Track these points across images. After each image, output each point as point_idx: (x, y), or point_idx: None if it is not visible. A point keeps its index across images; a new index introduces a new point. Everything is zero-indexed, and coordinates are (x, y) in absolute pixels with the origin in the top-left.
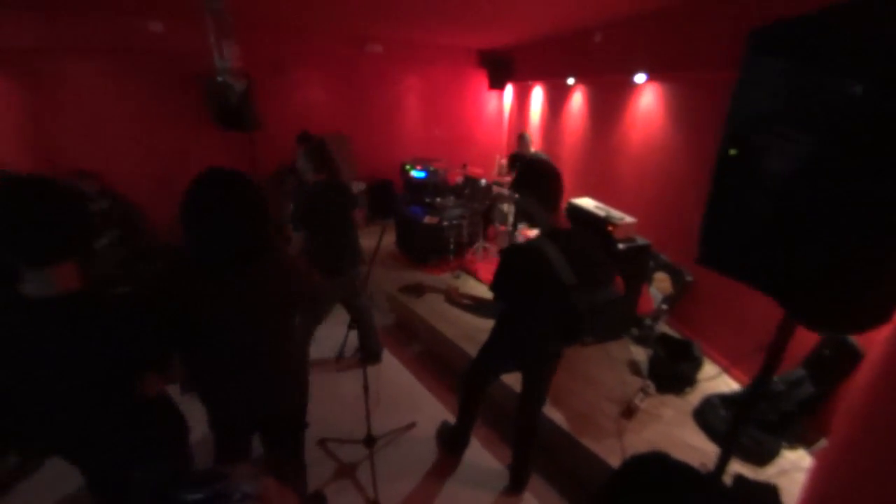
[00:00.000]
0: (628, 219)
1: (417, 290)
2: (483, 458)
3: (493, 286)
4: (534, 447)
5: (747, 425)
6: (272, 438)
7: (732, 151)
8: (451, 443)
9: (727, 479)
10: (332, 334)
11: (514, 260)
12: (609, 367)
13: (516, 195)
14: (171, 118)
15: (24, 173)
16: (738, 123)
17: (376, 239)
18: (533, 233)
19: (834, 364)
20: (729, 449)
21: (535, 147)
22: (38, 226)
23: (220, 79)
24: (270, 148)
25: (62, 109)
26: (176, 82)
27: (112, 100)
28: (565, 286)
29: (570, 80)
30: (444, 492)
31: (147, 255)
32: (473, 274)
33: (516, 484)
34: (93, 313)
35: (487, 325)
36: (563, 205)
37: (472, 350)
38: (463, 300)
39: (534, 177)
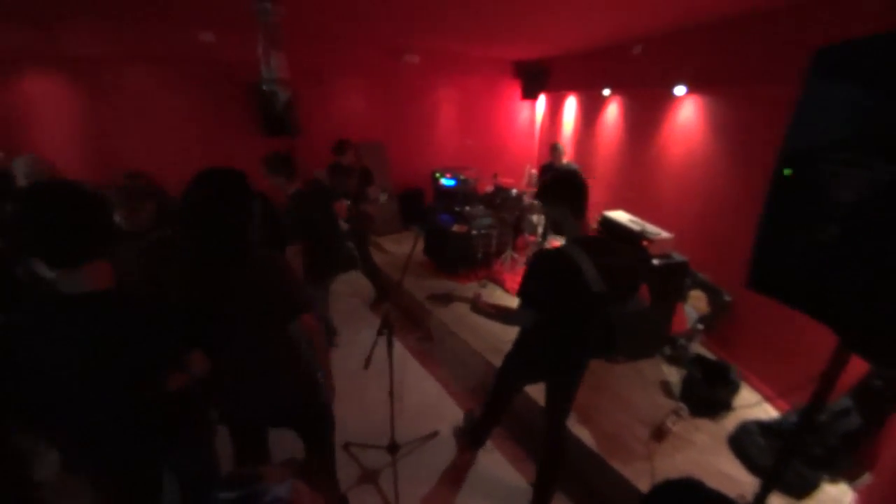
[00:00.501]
0: (664, 234)
1: (446, 298)
2: (508, 474)
3: (521, 292)
4: (560, 467)
5: (795, 459)
6: (303, 436)
7: (787, 171)
8: (469, 436)
9: None
10: (359, 340)
11: (542, 266)
12: (640, 386)
13: (542, 204)
14: (219, 124)
15: (52, 180)
16: (798, 144)
17: (408, 246)
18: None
19: (884, 397)
20: (771, 483)
21: (566, 158)
22: (57, 231)
23: (265, 87)
24: (308, 155)
25: (120, 116)
26: (225, 90)
27: (166, 107)
28: (594, 293)
29: (606, 91)
30: (465, 501)
31: None
32: (500, 284)
33: (540, 498)
34: (118, 310)
35: (514, 336)
36: (596, 217)
37: (499, 362)
38: (488, 308)
39: (563, 185)
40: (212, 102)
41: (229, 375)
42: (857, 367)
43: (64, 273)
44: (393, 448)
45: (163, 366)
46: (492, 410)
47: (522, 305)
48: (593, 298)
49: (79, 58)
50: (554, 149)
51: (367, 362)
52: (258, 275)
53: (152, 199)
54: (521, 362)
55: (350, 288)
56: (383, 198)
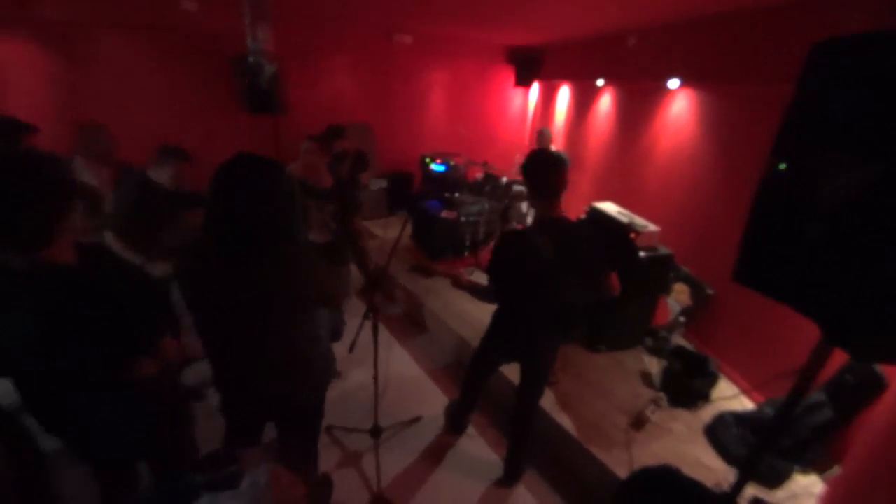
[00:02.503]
0: (651, 227)
1: (427, 270)
2: (488, 457)
3: (488, 269)
4: (528, 439)
5: (769, 452)
6: (287, 427)
7: (782, 166)
8: (450, 422)
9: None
10: (348, 322)
11: (503, 245)
12: (621, 376)
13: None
14: (200, 98)
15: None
16: (792, 139)
17: (396, 231)
18: None
19: (856, 392)
20: (748, 474)
21: (556, 146)
22: (14, 214)
23: (251, 59)
24: (294, 135)
25: (94, 85)
26: (207, 62)
27: (143, 76)
28: (546, 271)
29: (600, 82)
30: (446, 485)
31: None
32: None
33: (510, 475)
34: (83, 286)
35: None
36: (584, 207)
37: None
38: (467, 284)
39: (530, 165)
40: (193, 75)
41: (236, 364)
42: (831, 364)
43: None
44: (376, 431)
45: (131, 349)
46: (467, 391)
47: (489, 283)
48: (546, 275)
49: (51, 22)
50: (541, 134)
51: (352, 346)
52: (278, 268)
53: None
54: (491, 342)
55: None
56: (376, 184)
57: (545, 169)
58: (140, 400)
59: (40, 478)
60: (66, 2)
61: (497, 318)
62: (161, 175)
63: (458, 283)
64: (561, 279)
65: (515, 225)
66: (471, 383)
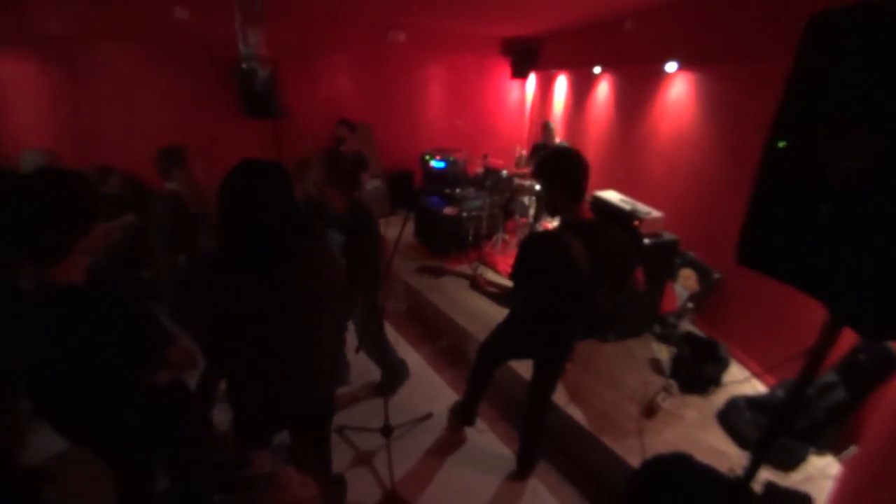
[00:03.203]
0: (655, 213)
1: (437, 271)
2: (501, 452)
3: (513, 275)
4: (541, 434)
5: (782, 434)
6: (301, 429)
7: (781, 144)
8: (458, 416)
9: (756, 486)
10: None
11: (534, 249)
12: (631, 364)
13: (537, 186)
14: (198, 105)
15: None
16: (792, 116)
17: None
18: (554, 224)
19: (869, 371)
20: (761, 457)
21: (559, 137)
22: (37, 226)
23: (244, 65)
24: (293, 137)
25: (93, 96)
26: (203, 69)
27: (142, 86)
28: (584, 280)
29: (597, 70)
30: (459, 480)
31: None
32: (492, 266)
33: (522, 469)
34: (92, 305)
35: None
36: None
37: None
38: (489, 287)
39: (561, 166)
40: (190, 82)
41: (252, 374)
42: (842, 343)
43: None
44: (387, 430)
45: (142, 362)
46: (475, 384)
47: (515, 288)
48: (583, 285)
49: (49, 36)
50: (546, 127)
51: (359, 347)
52: (296, 275)
53: None
54: (506, 338)
55: None
56: (371, 184)
57: (574, 171)
58: (157, 407)
59: None
60: (63, 17)
61: (517, 316)
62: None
63: (477, 286)
64: (595, 287)
65: (520, 219)
66: (480, 375)
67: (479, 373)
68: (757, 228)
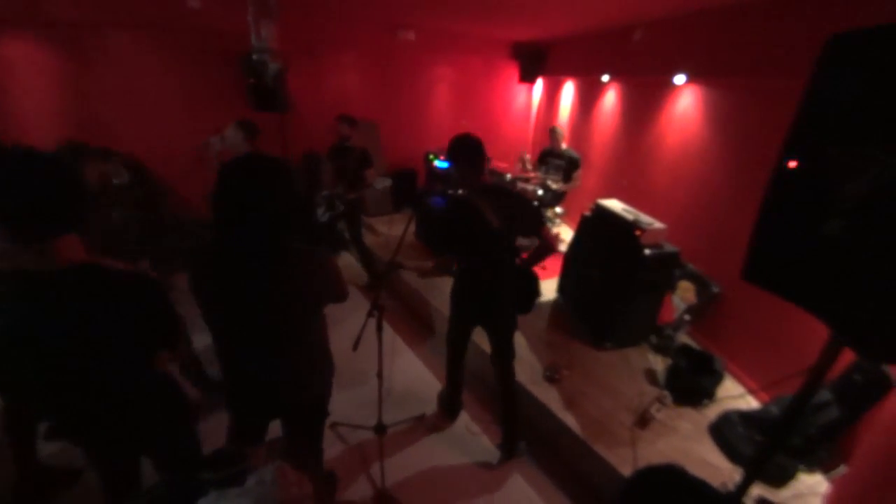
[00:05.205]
0: (658, 224)
1: (394, 266)
2: (495, 454)
3: (428, 240)
4: (515, 405)
5: (777, 451)
6: (294, 424)
7: (793, 163)
8: (444, 404)
9: (747, 501)
10: (349, 322)
11: (449, 212)
12: (627, 374)
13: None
14: (206, 96)
15: (12, 145)
16: (805, 134)
17: (400, 228)
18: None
19: (864, 391)
20: (755, 473)
21: (565, 143)
22: (26, 201)
23: (255, 57)
24: (300, 132)
25: (102, 83)
26: (212, 60)
27: (150, 75)
28: (494, 231)
29: (605, 78)
30: (450, 481)
31: (168, 231)
32: None
33: (505, 446)
34: (97, 286)
35: None
36: (589, 204)
37: (487, 347)
38: (428, 267)
39: (457, 145)
40: (198, 73)
41: (246, 364)
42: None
43: (31, 248)
44: (380, 429)
45: (146, 344)
46: (450, 369)
47: (434, 249)
48: (495, 235)
49: (60, 21)
50: (552, 132)
51: (356, 344)
52: (289, 270)
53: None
54: (453, 311)
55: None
56: (381, 183)
57: (468, 148)
58: (163, 395)
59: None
60: (73, 2)
61: (456, 283)
62: None
63: (424, 273)
64: (506, 234)
65: None
66: (450, 360)
67: (449, 354)
68: (764, 245)
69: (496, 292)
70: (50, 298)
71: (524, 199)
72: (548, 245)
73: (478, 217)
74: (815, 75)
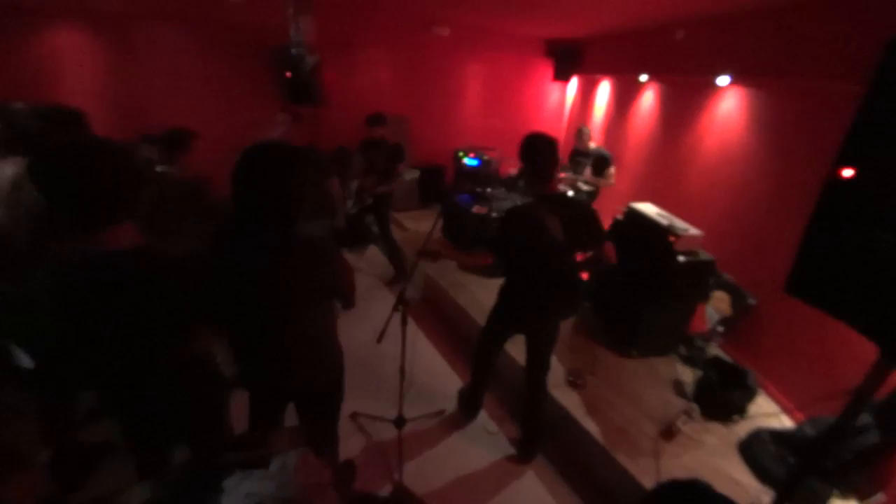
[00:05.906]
0: (693, 231)
1: (434, 254)
2: (511, 452)
3: (490, 244)
4: (540, 416)
5: (811, 474)
6: (307, 412)
7: (848, 172)
8: (464, 402)
9: None
10: (372, 314)
11: (511, 220)
12: (653, 383)
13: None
14: (243, 88)
15: (74, 140)
16: (862, 141)
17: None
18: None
19: None
20: (788, 496)
21: (595, 143)
22: (91, 192)
23: (293, 51)
24: (331, 126)
25: (144, 73)
26: (251, 53)
27: (191, 67)
28: (556, 245)
29: (643, 77)
30: (465, 477)
31: (213, 217)
32: None
33: (523, 454)
34: (146, 269)
35: None
36: (621, 207)
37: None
38: (468, 259)
39: (525, 147)
40: (237, 65)
41: (258, 348)
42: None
43: (92, 236)
44: (400, 422)
45: (189, 325)
46: (477, 370)
47: (495, 256)
48: (556, 247)
49: (106, 12)
50: (579, 133)
51: (381, 336)
52: (298, 258)
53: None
54: (497, 315)
55: (367, 264)
56: (410, 174)
57: (536, 152)
58: (186, 383)
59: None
60: None
61: (503, 290)
62: None
63: (465, 267)
64: (567, 250)
65: None
66: (480, 361)
67: (478, 357)
68: (810, 258)
69: (545, 305)
70: (106, 279)
71: (592, 212)
72: (605, 261)
73: (541, 229)
74: (873, 80)
